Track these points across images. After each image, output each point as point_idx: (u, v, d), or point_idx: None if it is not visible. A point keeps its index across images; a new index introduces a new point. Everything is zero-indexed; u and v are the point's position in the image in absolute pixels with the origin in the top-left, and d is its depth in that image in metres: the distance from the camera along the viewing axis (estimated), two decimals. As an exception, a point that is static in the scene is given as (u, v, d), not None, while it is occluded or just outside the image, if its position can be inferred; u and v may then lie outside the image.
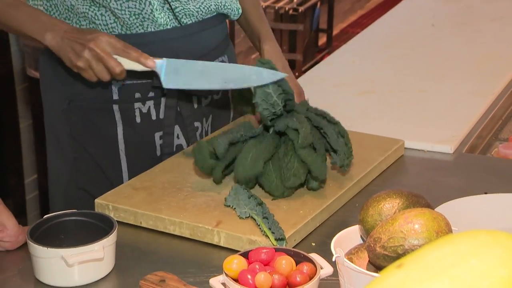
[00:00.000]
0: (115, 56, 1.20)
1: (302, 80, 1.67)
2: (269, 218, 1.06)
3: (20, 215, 2.56)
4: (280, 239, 1.04)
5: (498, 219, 1.08)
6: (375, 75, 1.76)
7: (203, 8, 1.34)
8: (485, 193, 1.19)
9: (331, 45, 4.42)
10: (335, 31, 4.73)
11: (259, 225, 1.06)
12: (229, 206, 1.12)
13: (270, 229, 1.04)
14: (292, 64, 3.86)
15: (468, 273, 0.43)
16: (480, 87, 1.67)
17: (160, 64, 1.21)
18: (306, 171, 1.15)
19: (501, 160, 1.42)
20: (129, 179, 1.31)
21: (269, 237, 1.04)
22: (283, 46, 3.87)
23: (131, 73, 1.24)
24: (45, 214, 1.08)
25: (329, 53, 4.22)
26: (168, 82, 1.22)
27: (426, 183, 1.27)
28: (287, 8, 3.98)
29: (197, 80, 1.22)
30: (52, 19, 1.25)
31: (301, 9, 4.00)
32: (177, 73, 1.21)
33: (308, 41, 4.04)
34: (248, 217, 1.08)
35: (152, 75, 1.29)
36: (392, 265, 0.46)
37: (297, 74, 3.62)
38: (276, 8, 3.94)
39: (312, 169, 1.15)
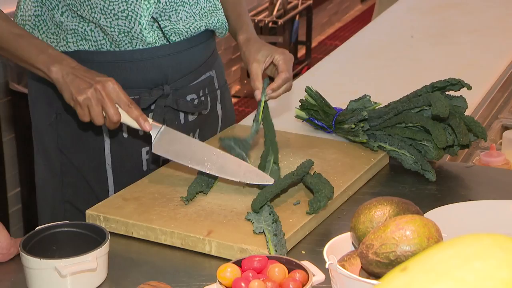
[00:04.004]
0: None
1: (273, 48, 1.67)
2: (278, 236, 1.07)
3: (3, 229, 2.53)
4: None
5: (483, 224, 1.11)
6: (357, 86, 1.79)
7: (193, 28, 1.35)
8: (469, 200, 1.22)
9: (310, 57, 4.47)
10: (314, 43, 4.79)
11: (267, 242, 1.07)
12: (249, 220, 1.12)
13: (275, 246, 1.05)
14: (272, 76, 3.89)
15: (471, 275, 0.44)
16: (463, 96, 1.70)
17: (155, 130, 1.22)
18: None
19: (483, 168, 1.45)
20: (114, 194, 1.32)
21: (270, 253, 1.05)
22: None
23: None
24: (29, 228, 1.08)
25: (308, 65, 4.27)
26: (158, 148, 1.22)
27: (411, 191, 1.30)
28: (266, 21, 4.02)
29: (184, 157, 1.22)
30: (60, 54, 1.23)
31: (280, 21, 4.05)
32: (168, 143, 1.22)
33: (287, 53, 4.07)
34: (262, 232, 1.09)
35: (138, 93, 1.31)
36: (396, 268, 0.48)
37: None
38: (256, 21, 3.98)
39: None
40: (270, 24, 4.00)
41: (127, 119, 1.20)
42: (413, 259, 0.48)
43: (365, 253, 0.87)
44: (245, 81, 4.20)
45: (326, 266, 0.89)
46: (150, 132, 1.21)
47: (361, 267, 0.91)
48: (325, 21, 5.22)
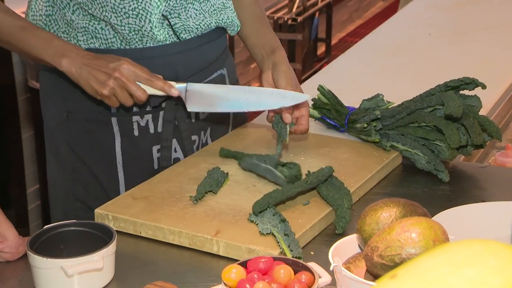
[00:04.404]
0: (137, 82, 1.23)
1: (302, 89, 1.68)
2: (289, 236, 1.05)
3: (22, 225, 2.57)
4: (298, 257, 1.03)
5: (496, 227, 1.08)
6: (373, 84, 1.77)
7: (203, 25, 1.35)
8: (483, 201, 1.19)
9: (330, 54, 4.44)
10: (334, 41, 4.75)
11: (278, 242, 1.05)
12: (252, 221, 1.11)
13: (289, 246, 1.04)
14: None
15: (463, 283, 0.43)
16: (478, 95, 1.68)
17: (182, 90, 1.26)
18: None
19: (498, 168, 1.43)
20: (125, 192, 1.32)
21: (286, 255, 1.04)
22: (282, 55, 3.91)
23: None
24: (47, 224, 1.08)
25: (328, 62, 4.24)
26: (191, 106, 1.28)
27: (424, 191, 1.28)
28: (286, 18, 4.00)
29: (219, 103, 1.26)
30: (66, 43, 1.24)
31: (299, 19, 4.02)
32: (199, 98, 1.26)
33: (307, 50, 4.05)
34: (269, 233, 1.08)
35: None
36: (385, 275, 0.47)
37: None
38: (275, 18, 3.96)
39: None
40: (289, 22, 3.97)
41: (153, 91, 1.25)
42: (403, 266, 0.47)
43: (370, 256, 0.86)
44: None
45: (331, 268, 0.88)
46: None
47: (366, 269, 0.89)
48: (345, 18, 5.18)
